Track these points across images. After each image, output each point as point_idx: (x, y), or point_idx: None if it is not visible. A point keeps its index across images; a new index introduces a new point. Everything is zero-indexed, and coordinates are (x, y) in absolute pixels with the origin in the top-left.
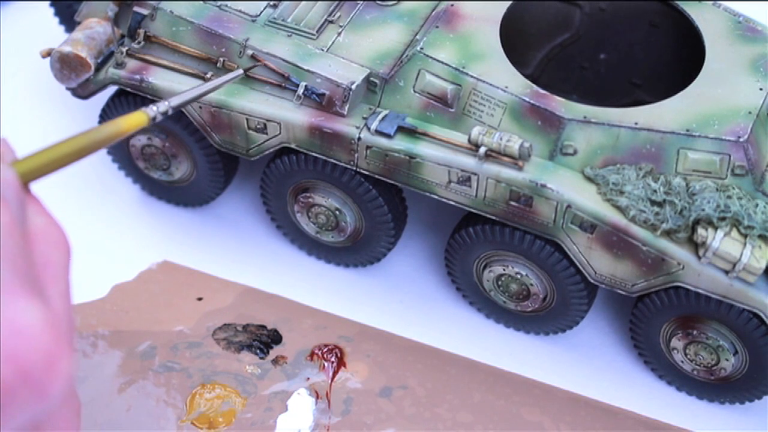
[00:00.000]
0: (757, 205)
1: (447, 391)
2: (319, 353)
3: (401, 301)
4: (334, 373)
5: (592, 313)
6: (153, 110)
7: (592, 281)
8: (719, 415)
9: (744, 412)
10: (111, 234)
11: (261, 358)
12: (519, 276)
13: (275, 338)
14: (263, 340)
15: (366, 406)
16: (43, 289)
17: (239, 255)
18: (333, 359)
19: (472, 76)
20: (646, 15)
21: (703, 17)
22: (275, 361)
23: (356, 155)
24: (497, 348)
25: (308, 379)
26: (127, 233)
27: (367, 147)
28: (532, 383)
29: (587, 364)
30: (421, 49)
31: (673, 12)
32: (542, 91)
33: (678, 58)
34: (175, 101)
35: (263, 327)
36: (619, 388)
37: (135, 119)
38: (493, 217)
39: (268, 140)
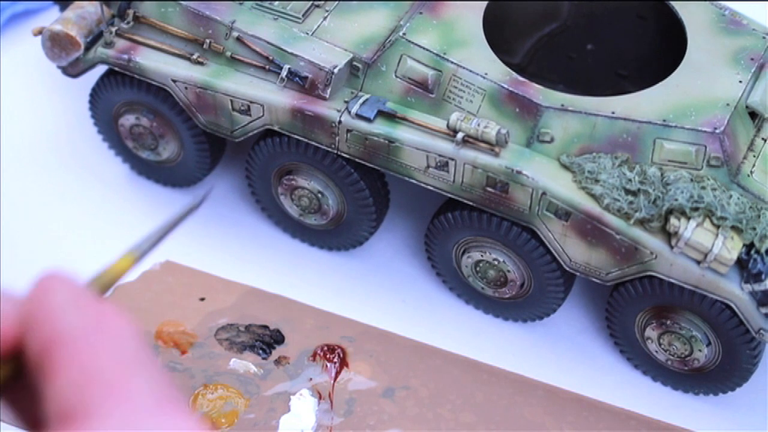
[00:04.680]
0: (731, 197)
1: (450, 391)
2: (322, 353)
3: (404, 301)
4: (337, 374)
5: (598, 308)
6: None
7: (567, 269)
8: (720, 415)
9: (744, 412)
10: (114, 234)
11: (263, 358)
12: (496, 262)
13: (278, 338)
14: (266, 341)
15: (369, 407)
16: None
17: (242, 255)
18: (335, 359)
19: (452, 62)
20: (633, 7)
21: (688, 10)
22: (278, 362)
23: (337, 138)
24: (499, 347)
25: (311, 379)
26: (131, 233)
27: (348, 130)
28: (535, 384)
29: (590, 363)
30: (404, 34)
31: (660, 4)
32: (521, 79)
33: (664, 50)
34: (151, 242)
35: (266, 327)
36: (624, 389)
37: (122, 263)
38: (471, 203)
39: (251, 122)
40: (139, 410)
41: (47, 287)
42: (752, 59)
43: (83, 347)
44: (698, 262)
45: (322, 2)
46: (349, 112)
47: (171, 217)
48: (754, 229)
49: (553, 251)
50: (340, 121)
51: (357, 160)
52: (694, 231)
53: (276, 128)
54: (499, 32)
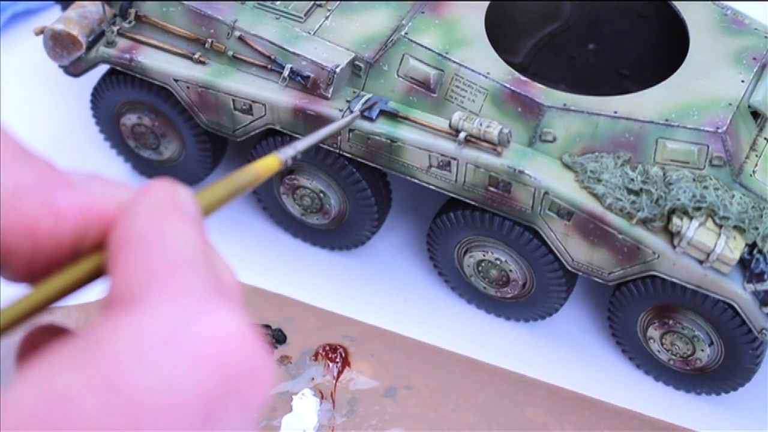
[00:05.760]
0: (733, 196)
1: (451, 391)
2: (324, 353)
3: (406, 300)
4: (339, 373)
5: (600, 308)
6: (284, 154)
7: (569, 268)
8: (722, 415)
9: (746, 412)
10: None
11: None
12: (498, 262)
13: (280, 338)
14: (267, 340)
15: (371, 407)
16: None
17: (243, 255)
18: (337, 359)
19: (454, 62)
20: (635, 6)
21: (690, 9)
22: (280, 361)
23: (339, 138)
24: (501, 346)
25: (313, 379)
26: None
27: (350, 130)
28: (537, 383)
29: (592, 363)
30: (406, 34)
31: (662, 4)
32: (523, 78)
33: (666, 50)
34: (302, 145)
35: (268, 327)
36: (626, 389)
37: (268, 163)
38: (473, 203)
39: (253, 121)
40: (185, 304)
41: (145, 191)
42: (754, 59)
43: (143, 250)
44: (701, 262)
45: (324, 2)
46: (351, 112)
47: (324, 128)
48: (757, 228)
49: (555, 251)
50: None
51: (359, 159)
52: (696, 231)
53: (278, 128)
54: (501, 32)
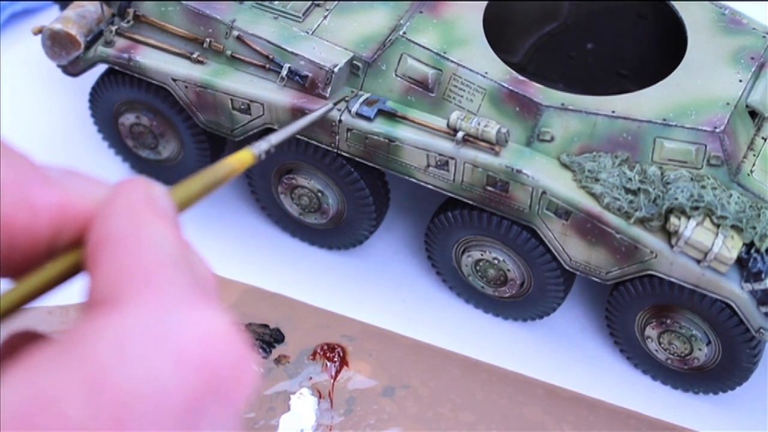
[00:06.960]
0: (731, 196)
1: (450, 390)
2: (322, 352)
3: (404, 300)
4: (337, 373)
5: (598, 307)
6: (258, 149)
7: (567, 268)
8: (720, 414)
9: (744, 412)
10: None
11: (263, 357)
12: (496, 261)
13: (278, 337)
14: (266, 340)
15: (369, 406)
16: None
17: (242, 254)
18: (335, 358)
19: (452, 62)
20: (633, 6)
21: (688, 9)
22: (278, 361)
23: (337, 137)
24: (499, 346)
25: (311, 378)
26: None
27: (348, 129)
28: (535, 383)
29: (590, 362)
30: (404, 33)
31: (660, 3)
32: (521, 78)
33: (664, 49)
34: (275, 139)
35: (266, 326)
36: (624, 388)
37: (242, 157)
38: (471, 202)
39: (251, 121)
40: (166, 303)
41: (120, 189)
42: (752, 58)
43: (123, 251)
44: (698, 261)
45: (323, 1)
46: (350, 111)
47: (297, 121)
48: (754, 228)
49: (553, 250)
50: (340, 120)
51: (357, 159)
52: (694, 230)
53: (276, 127)
54: (499, 31)
